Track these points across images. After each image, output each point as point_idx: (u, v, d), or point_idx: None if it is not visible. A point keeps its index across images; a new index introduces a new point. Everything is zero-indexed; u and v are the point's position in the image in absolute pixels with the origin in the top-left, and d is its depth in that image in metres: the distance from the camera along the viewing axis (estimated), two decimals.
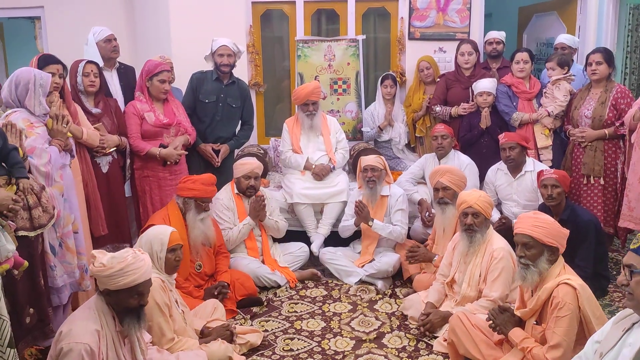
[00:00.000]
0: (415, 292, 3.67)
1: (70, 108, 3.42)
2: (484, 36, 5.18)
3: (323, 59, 5.37)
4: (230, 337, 2.96)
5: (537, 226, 2.52)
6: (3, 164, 2.54)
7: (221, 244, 3.87)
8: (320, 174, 4.42)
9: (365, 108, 5.33)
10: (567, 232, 2.57)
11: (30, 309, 2.72)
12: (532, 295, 2.55)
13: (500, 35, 4.95)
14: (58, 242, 2.91)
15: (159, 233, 2.77)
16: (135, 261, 2.30)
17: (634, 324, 1.83)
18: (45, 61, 3.21)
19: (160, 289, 2.67)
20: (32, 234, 2.63)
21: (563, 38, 4.86)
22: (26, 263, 2.38)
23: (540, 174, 3.71)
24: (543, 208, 3.66)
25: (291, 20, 5.47)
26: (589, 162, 4.04)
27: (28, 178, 2.59)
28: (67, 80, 3.52)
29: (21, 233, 2.55)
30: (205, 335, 2.98)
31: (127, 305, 2.30)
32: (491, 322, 2.63)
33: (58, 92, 3.29)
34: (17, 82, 2.92)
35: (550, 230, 2.51)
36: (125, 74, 4.44)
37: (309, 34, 5.46)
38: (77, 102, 3.60)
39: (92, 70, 3.68)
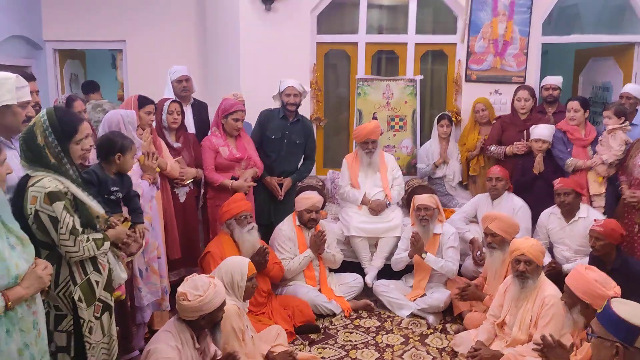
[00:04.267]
0: (465, 329, 3.83)
1: (156, 142, 3.81)
2: (540, 79, 5.34)
3: (382, 97, 5.64)
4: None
5: (576, 279, 2.76)
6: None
7: (275, 262, 4.12)
8: (377, 209, 4.65)
9: (420, 145, 5.56)
10: (608, 295, 2.68)
11: (117, 327, 3.06)
12: (581, 344, 2.69)
13: (556, 81, 5.08)
14: (145, 267, 3.26)
15: (239, 264, 3.09)
16: (218, 284, 2.71)
17: None
18: (144, 102, 3.62)
19: (237, 315, 2.97)
20: (124, 260, 2.98)
21: (629, 88, 4.88)
22: (124, 295, 2.76)
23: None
24: (595, 256, 3.76)
25: (353, 60, 5.78)
26: None
27: (144, 223, 2.98)
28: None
29: None
30: (269, 359, 3.24)
31: (217, 319, 2.72)
32: (544, 349, 2.77)
33: (151, 128, 3.67)
34: (110, 124, 3.30)
35: (586, 288, 2.69)
36: (199, 109, 4.84)
37: (369, 73, 5.76)
38: (161, 137, 3.99)
39: (175, 109, 4.07)
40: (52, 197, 2.25)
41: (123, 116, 3.30)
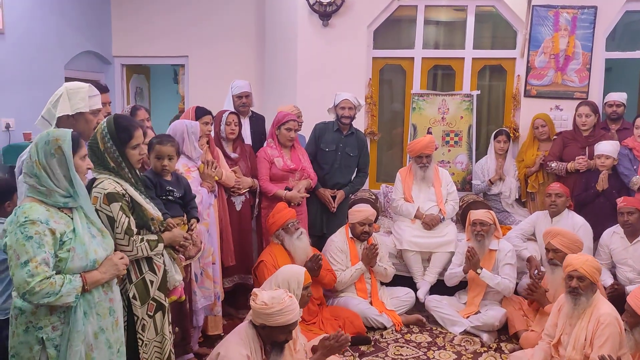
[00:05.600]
0: (521, 349, 3.73)
1: (213, 152, 3.93)
2: (604, 96, 5.18)
3: (437, 112, 5.61)
4: (339, 343, 3.02)
5: (639, 298, 2.72)
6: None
7: (327, 268, 4.14)
8: (430, 223, 4.61)
9: (476, 161, 5.48)
10: None
11: (177, 328, 3.17)
12: None
13: (621, 97, 4.92)
14: (200, 271, 3.36)
15: (295, 273, 3.12)
16: (292, 303, 2.69)
17: None
18: (202, 112, 3.75)
19: None
20: (183, 263, 3.08)
21: None
22: (183, 297, 2.85)
23: None
24: None
25: (408, 74, 5.79)
26: None
27: (198, 219, 3.08)
28: (212, 127, 4.05)
29: None
30: (313, 351, 3.18)
31: (276, 339, 2.69)
32: None
33: (209, 137, 3.80)
34: (174, 133, 3.44)
35: None
36: (256, 122, 4.95)
37: (425, 87, 5.74)
38: (219, 147, 4.12)
39: (233, 120, 4.19)
40: (110, 198, 2.39)
41: (187, 126, 3.44)
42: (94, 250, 2.16)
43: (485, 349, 3.91)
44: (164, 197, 2.91)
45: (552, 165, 4.81)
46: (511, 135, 5.32)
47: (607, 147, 4.46)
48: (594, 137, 4.69)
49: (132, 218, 2.46)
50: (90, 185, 2.42)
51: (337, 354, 3.39)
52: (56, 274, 2.04)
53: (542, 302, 3.79)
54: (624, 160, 4.45)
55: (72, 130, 2.20)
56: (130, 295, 2.47)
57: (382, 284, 4.52)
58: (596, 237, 4.32)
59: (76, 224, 2.14)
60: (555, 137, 5.00)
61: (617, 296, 3.66)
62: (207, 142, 3.86)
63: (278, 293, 2.70)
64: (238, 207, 4.16)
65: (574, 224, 4.27)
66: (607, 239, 4.23)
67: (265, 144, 4.55)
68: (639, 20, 5.93)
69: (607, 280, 3.98)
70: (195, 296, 3.36)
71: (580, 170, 4.61)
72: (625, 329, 2.92)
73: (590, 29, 5.22)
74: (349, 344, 3.08)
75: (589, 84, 5.29)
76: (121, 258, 2.28)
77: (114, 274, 2.24)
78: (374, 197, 5.32)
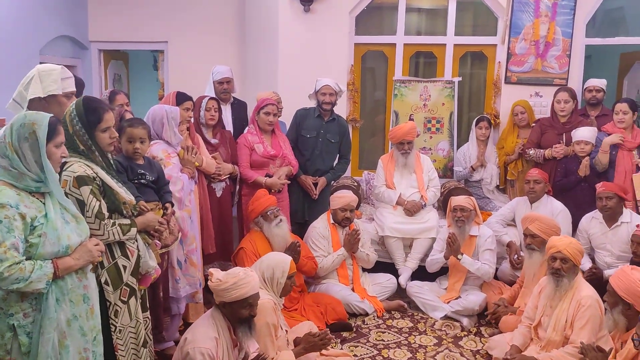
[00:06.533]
0: (500, 332, 3.76)
1: (193, 139, 3.87)
2: (583, 82, 5.21)
3: (419, 99, 5.60)
4: (323, 342, 3.11)
5: (620, 279, 2.72)
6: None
7: (308, 256, 4.12)
8: (412, 210, 4.61)
9: (457, 147, 5.49)
10: None
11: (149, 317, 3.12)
12: (621, 347, 2.61)
13: (600, 83, 4.95)
14: (184, 258, 3.32)
15: (281, 261, 3.11)
16: (246, 276, 2.67)
17: None
18: (182, 98, 3.68)
19: (272, 310, 2.98)
20: (160, 250, 3.03)
21: None
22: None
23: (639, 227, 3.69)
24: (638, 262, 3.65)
25: (390, 61, 5.76)
26: None
27: (173, 204, 3.03)
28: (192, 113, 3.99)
29: None
30: (296, 344, 3.21)
31: (240, 315, 2.67)
32: (582, 356, 2.74)
33: (189, 124, 3.75)
34: (153, 118, 3.38)
35: (630, 288, 2.65)
36: (238, 108, 4.90)
37: (407, 74, 5.73)
38: (199, 133, 4.06)
39: (213, 106, 4.13)
40: (80, 181, 2.34)
41: (167, 111, 3.38)
42: (67, 236, 2.11)
43: (466, 333, 3.94)
44: (136, 181, 2.85)
45: (530, 152, 4.84)
46: (492, 122, 5.34)
47: (584, 133, 4.49)
48: (571, 124, 4.73)
49: (103, 202, 2.40)
50: (60, 169, 2.36)
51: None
52: (27, 259, 1.99)
53: (503, 313, 3.85)
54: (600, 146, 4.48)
55: (51, 115, 2.13)
56: (102, 280, 2.42)
57: (364, 270, 4.52)
58: (575, 223, 4.36)
59: (48, 209, 2.09)
60: (534, 124, 5.02)
61: (595, 280, 3.70)
62: (187, 129, 3.80)
63: (233, 269, 2.71)
64: (218, 194, 4.12)
65: (553, 209, 4.31)
66: (586, 224, 4.27)
67: (246, 130, 4.50)
68: (618, 7, 5.99)
69: (586, 264, 4.02)
70: (178, 284, 3.32)
71: (558, 158, 4.64)
72: (605, 310, 2.96)
73: (570, 16, 5.24)
74: (333, 344, 3.10)
75: (569, 71, 5.32)
76: (96, 244, 2.23)
77: (88, 261, 2.19)
78: (356, 184, 5.32)
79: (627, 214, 4.07)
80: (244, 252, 3.85)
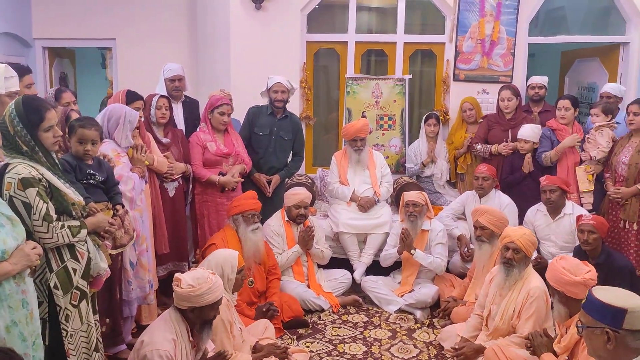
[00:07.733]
0: (452, 323, 3.86)
1: (144, 137, 3.79)
2: (527, 79, 5.40)
3: (371, 96, 5.68)
4: (282, 355, 3.21)
5: (549, 270, 2.83)
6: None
7: (274, 265, 4.14)
8: (366, 206, 4.68)
9: (409, 143, 5.60)
10: (575, 281, 2.71)
11: (107, 319, 3.06)
12: (566, 333, 2.73)
13: (542, 80, 5.16)
14: (135, 260, 3.26)
15: (229, 257, 3.08)
16: (217, 281, 2.67)
17: None
18: (133, 97, 3.60)
19: (227, 307, 2.96)
20: (113, 252, 2.97)
21: (609, 87, 4.98)
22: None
23: (579, 218, 3.84)
24: (579, 250, 3.82)
25: (342, 59, 5.82)
26: (627, 208, 4.18)
27: (123, 205, 2.96)
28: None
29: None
30: (257, 350, 3.24)
31: (206, 318, 2.65)
32: (529, 342, 2.87)
33: (139, 123, 3.67)
34: (110, 116, 3.30)
35: (556, 277, 2.76)
36: (190, 107, 4.84)
37: (359, 72, 5.80)
38: (150, 132, 3.98)
39: (164, 104, 4.07)
40: (25, 183, 2.26)
41: (127, 113, 3.30)
42: (2, 240, 2.03)
43: (419, 325, 4.03)
44: (84, 182, 2.77)
45: (478, 147, 4.98)
46: (441, 118, 5.47)
47: (527, 132, 4.64)
48: (516, 120, 4.90)
49: (50, 204, 2.33)
50: (2, 171, 2.27)
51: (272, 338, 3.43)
52: None
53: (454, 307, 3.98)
54: (544, 142, 4.65)
55: None
56: (52, 284, 2.35)
57: (319, 266, 4.55)
58: (522, 216, 4.52)
59: None
60: (481, 120, 5.18)
61: (540, 269, 3.84)
62: (137, 127, 3.72)
63: (200, 273, 2.68)
64: (171, 194, 4.06)
65: (501, 203, 4.46)
66: (531, 216, 4.43)
67: (198, 129, 4.45)
68: (559, 7, 6.23)
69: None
70: (130, 286, 3.26)
71: (504, 155, 4.80)
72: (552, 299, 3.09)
73: (514, 15, 5.43)
74: (289, 341, 3.24)
75: (513, 68, 5.51)
76: (33, 248, 2.15)
77: (26, 265, 2.11)
78: (310, 181, 5.34)
79: (570, 206, 4.24)
80: (215, 247, 3.73)
